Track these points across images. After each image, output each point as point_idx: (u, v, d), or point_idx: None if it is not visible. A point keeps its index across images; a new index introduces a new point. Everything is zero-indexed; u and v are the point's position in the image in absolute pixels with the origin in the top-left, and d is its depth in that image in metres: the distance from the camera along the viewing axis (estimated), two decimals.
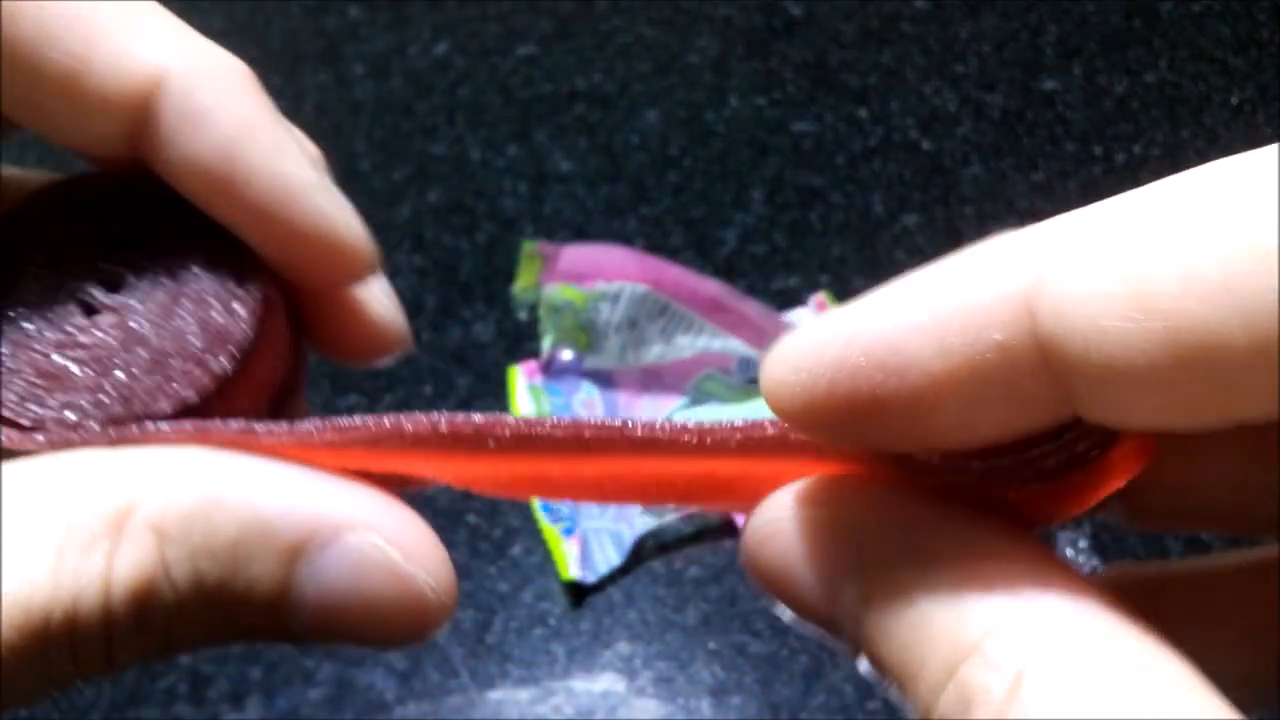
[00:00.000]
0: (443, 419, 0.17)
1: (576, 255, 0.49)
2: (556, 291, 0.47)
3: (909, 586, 0.14)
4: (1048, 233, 0.13)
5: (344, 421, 0.17)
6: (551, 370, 0.47)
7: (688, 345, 0.47)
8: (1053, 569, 0.13)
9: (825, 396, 0.14)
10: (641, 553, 0.44)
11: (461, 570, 0.44)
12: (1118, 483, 0.15)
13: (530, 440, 0.17)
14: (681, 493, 0.18)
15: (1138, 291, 0.12)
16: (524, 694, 0.41)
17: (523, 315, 0.50)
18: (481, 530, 0.44)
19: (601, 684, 0.41)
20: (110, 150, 0.17)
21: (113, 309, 0.18)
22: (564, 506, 0.44)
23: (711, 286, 0.48)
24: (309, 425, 0.17)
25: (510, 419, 0.17)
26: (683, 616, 0.42)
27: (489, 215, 0.54)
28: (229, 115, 0.17)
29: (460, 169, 0.55)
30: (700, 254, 0.52)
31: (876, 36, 0.60)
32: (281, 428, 0.17)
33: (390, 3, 0.62)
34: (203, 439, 0.16)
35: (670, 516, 0.44)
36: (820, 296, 0.49)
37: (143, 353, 0.17)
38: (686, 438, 0.17)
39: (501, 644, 0.42)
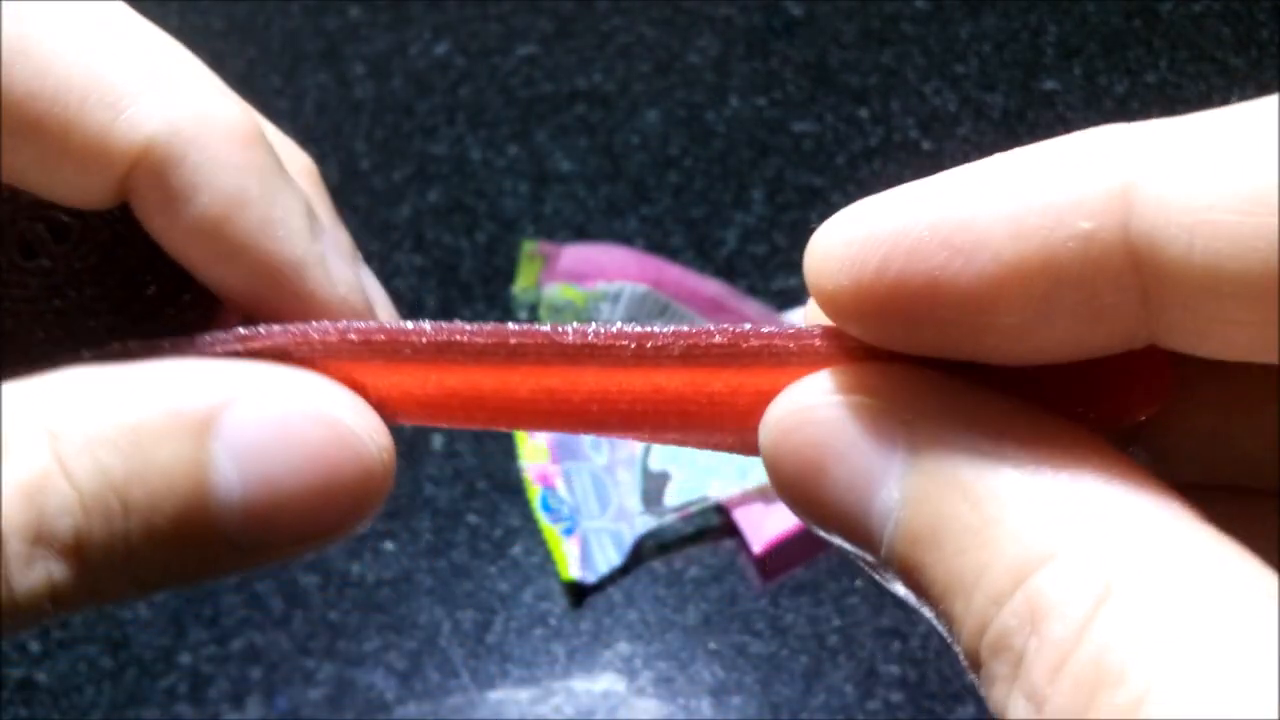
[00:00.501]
0: (353, 326, 0.16)
1: (577, 255, 0.49)
2: (557, 291, 0.48)
3: (969, 486, 0.12)
4: (1149, 130, 0.12)
5: (256, 330, 0.16)
6: None
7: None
8: (1129, 470, 0.12)
9: (875, 276, 0.12)
10: (642, 553, 0.44)
11: (462, 570, 0.44)
12: (1131, 416, 0.14)
13: (449, 347, 0.16)
14: (625, 416, 0.17)
15: (1257, 187, 0.11)
16: (524, 694, 0.41)
17: (523, 315, 0.50)
18: (482, 530, 0.44)
19: (602, 684, 0.41)
20: (96, 206, 0.16)
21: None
22: (564, 506, 0.44)
23: (712, 287, 0.48)
24: (217, 336, 0.16)
25: (428, 325, 0.16)
26: (683, 616, 0.42)
27: (489, 215, 0.54)
28: (220, 186, 0.16)
29: (460, 169, 0.55)
30: (700, 254, 0.52)
31: (877, 37, 0.60)
32: (186, 340, 0.16)
33: (391, 3, 0.62)
34: (123, 354, 0.16)
35: (670, 517, 0.44)
36: None
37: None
38: (624, 343, 0.16)
39: (502, 644, 0.42)
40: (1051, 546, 0.11)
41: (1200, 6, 0.61)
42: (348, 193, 0.55)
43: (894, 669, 0.41)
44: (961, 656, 0.12)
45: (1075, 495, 0.12)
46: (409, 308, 0.51)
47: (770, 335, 0.15)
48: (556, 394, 0.17)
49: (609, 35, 0.60)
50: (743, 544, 0.43)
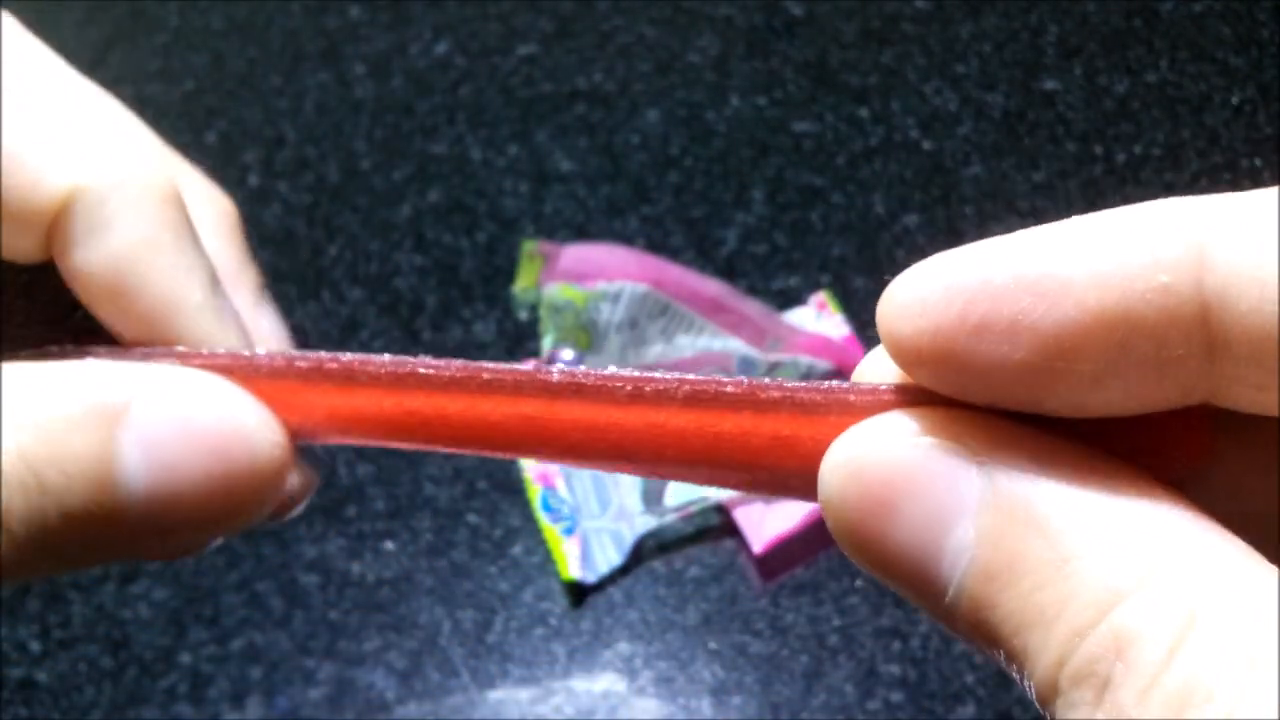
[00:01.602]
0: (302, 355, 0.17)
1: (577, 255, 0.49)
2: (557, 291, 0.47)
3: (1047, 522, 0.13)
4: (1221, 199, 0.13)
5: (215, 350, 0.18)
6: None
7: (688, 345, 0.47)
8: (1191, 508, 0.13)
9: (957, 322, 0.13)
10: (642, 552, 0.44)
11: (462, 570, 0.44)
12: (1170, 473, 0.14)
13: (409, 379, 0.17)
14: (614, 445, 0.17)
15: None
16: (524, 694, 0.41)
17: (523, 315, 0.50)
18: (482, 530, 0.44)
19: (602, 684, 0.41)
20: (27, 258, 0.18)
21: None
22: (564, 506, 0.44)
23: (712, 286, 0.48)
24: (155, 349, 0.18)
25: (384, 359, 0.17)
26: (683, 616, 0.42)
27: (490, 215, 0.54)
28: (129, 232, 0.18)
29: (461, 168, 0.55)
30: (701, 254, 0.52)
31: (877, 36, 0.60)
32: (123, 349, 0.18)
33: (391, 2, 0.62)
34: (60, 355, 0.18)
35: (671, 516, 0.44)
36: (821, 296, 0.49)
37: None
38: (618, 385, 0.16)
39: (502, 644, 0.42)
40: (1134, 580, 0.12)
41: (1201, 6, 0.61)
42: (348, 192, 0.55)
43: (894, 669, 0.41)
44: (1032, 690, 0.13)
45: (1151, 531, 0.12)
46: (409, 307, 0.51)
47: (794, 389, 0.15)
48: (534, 420, 0.17)
49: (609, 35, 0.60)
50: (743, 544, 0.43)
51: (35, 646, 0.42)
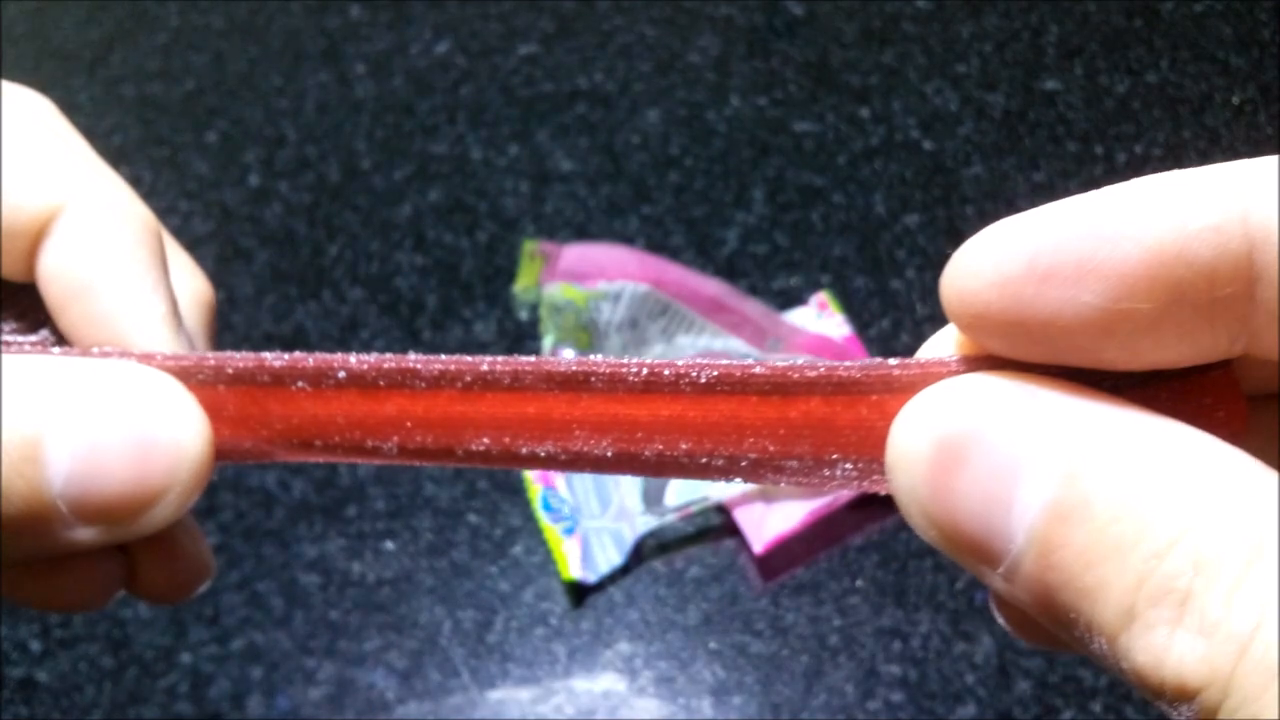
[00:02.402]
0: (275, 356, 0.18)
1: (577, 255, 0.49)
2: (558, 291, 0.47)
3: (1122, 463, 0.13)
4: (1257, 160, 0.14)
5: (190, 355, 0.19)
6: None
7: (689, 345, 0.47)
8: (1236, 443, 0.14)
9: (1026, 270, 0.14)
10: (642, 552, 0.44)
11: (463, 570, 0.44)
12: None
13: (389, 375, 0.18)
14: (625, 433, 0.17)
15: None
16: (525, 693, 0.41)
17: (524, 315, 0.50)
18: (483, 530, 0.44)
19: (602, 684, 0.41)
20: (13, 272, 0.20)
21: None
22: (565, 506, 0.44)
23: (712, 286, 0.48)
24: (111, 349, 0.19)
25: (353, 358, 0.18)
26: (683, 616, 0.42)
27: (490, 214, 0.54)
28: (106, 241, 0.20)
29: (461, 168, 0.55)
30: (701, 254, 0.52)
31: (878, 36, 0.60)
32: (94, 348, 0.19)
33: (392, 2, 0.62)
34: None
35: (671, 516, 0.44)
36: (821, 296, 0.49)
37: None
38: (626, 371, 0.17)
39: (503, 644, 0.42)
40: (1207, 507, 0.13)
41: (1201, 6, 0.61)
42: (349, 192, 0.55)
43: (894, 669, 0.41)
44: (1101, 624, 0.13)
45: (1219, 464, 0.13)
46: (410, 307, 0.51)
47: (866, 366, 0.16)
48: (532, 419, 0.18)
49: (610, 35, 0.60)
50: (743, 544, 0.43)
51: (36, 646, 0.42)
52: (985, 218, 0.52)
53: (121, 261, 0.20)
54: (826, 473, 0.17)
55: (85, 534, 0.18)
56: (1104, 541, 0.13)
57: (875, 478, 0.17)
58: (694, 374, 0.17)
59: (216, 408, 0.19)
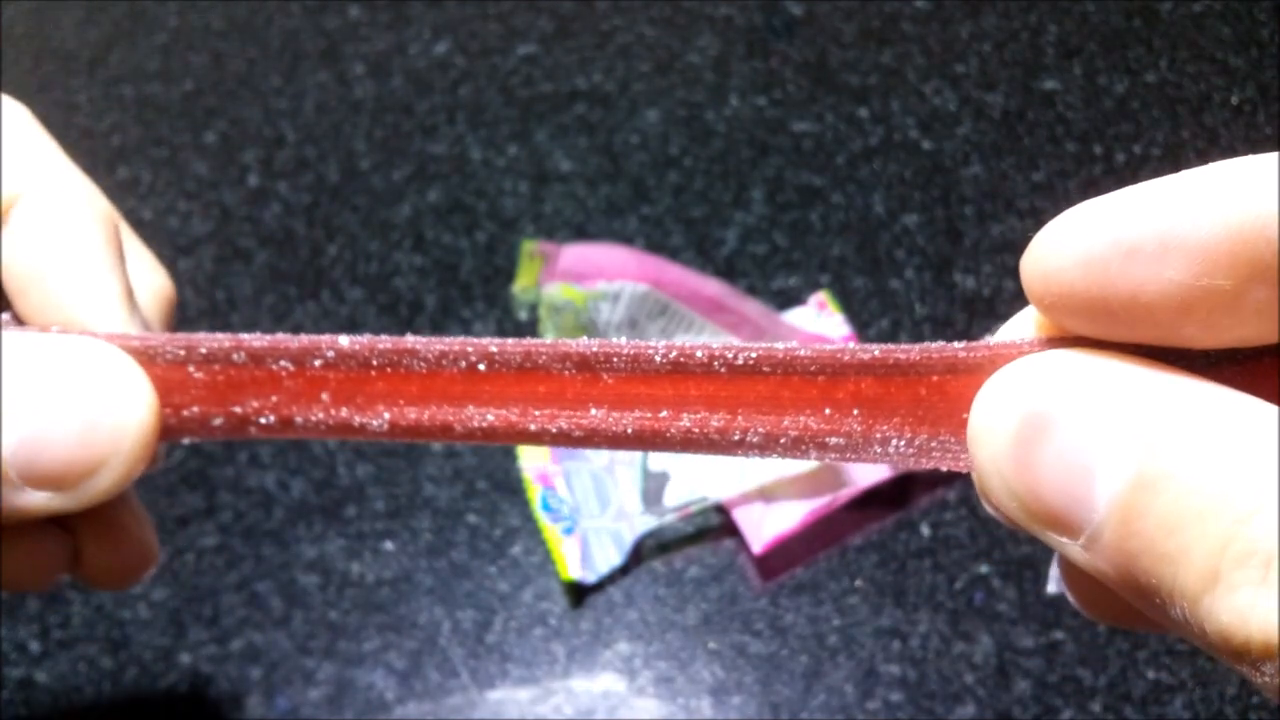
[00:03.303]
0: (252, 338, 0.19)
1: (577, 255, 0.49)
2: (557, 291, 0.47)
3: (1206, 431, 0.14)
4: None
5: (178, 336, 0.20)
6: None
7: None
8: None
9: (1110, 247, 0.14)
10: (642, 553, 0.44)
11: (462, 570, 0.44)
12: None
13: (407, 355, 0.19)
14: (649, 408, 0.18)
15: None
16: (524, 694, 0.41)
17: (523, 315, 0.50)
18: (482, 530, 0.44)
19: (601, 684, 0.41)
20: None
21: None
22: (564, 506, 0.44)
23: (712, 286, 0.48)
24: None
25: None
26: (683, 616, 0.42)
27: (489, 215, 0.54)
28: (65, 227, 0.21)
29: (460, 168, 0.55)
30: (700, 254, 0.52)
31: (877, 36, 0.60)
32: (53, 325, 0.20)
33: (390, 2, 0.62)
34: None
35: (670, 516, 0.44)
36: (820, 296, 0.49)
37: None
38: (650, 352, 0.17)
39: (502, 644, 0.42)
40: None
41: (1200, 6, 0.61)
42: (348, 192, 0.55)
43: (894, 669, 0.41)
44: (1183, 589, 0.14)
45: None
46: (409, 307, 0.51)
47: (937, 349, 0.17)
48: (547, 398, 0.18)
49: (609, 35, 0.60)
50: (742, 544, 0.43)
51: (35, 647, 0.42)
52: (984, 218, 0.52)
53: (76, 248, 0.21)
54: (877, 450, 0.17)
55: (31, 499, 0.19)
56: (1187, 508, 0.13)
57: (934, 454, 0.18)
58: (730, 355, 0.18)
59: (184, 385, 0.19)
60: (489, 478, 0.46)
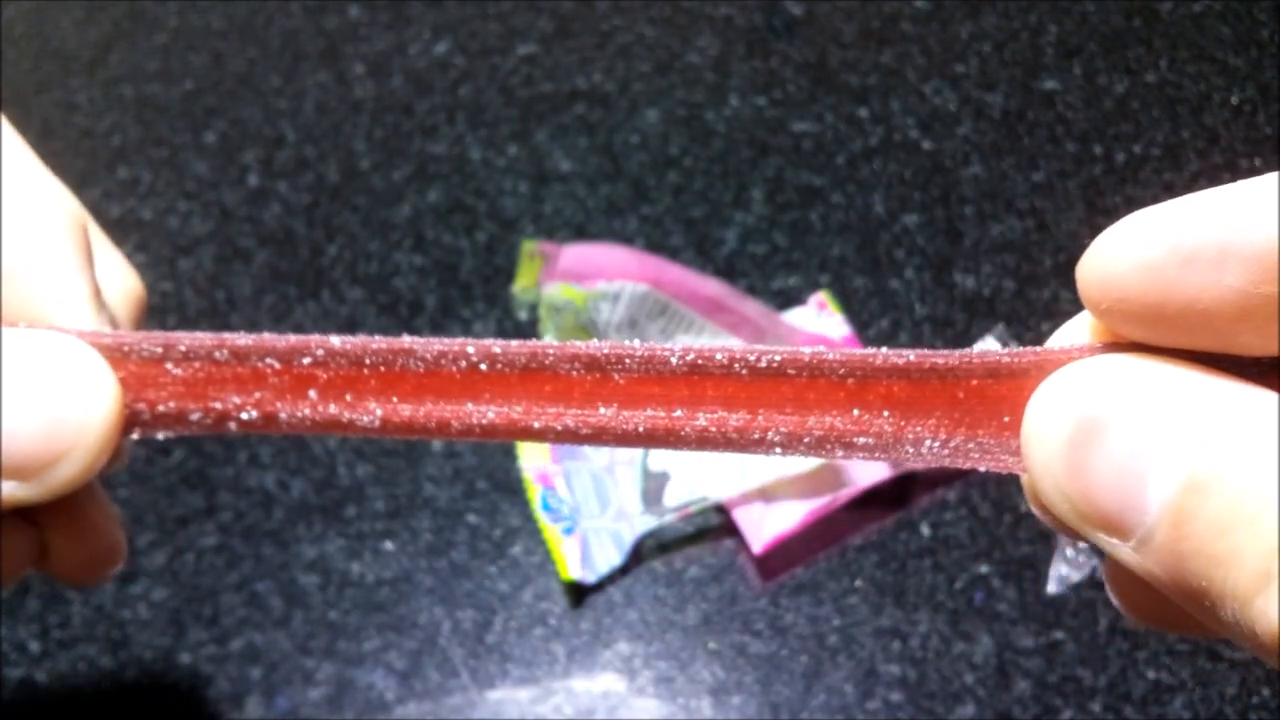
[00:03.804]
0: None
1: (577, 255, 0.49)
2: (557, 291, 0.47)
3: (1258, 432, 0.14)
4: None
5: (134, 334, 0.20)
6: None
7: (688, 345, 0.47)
8: None
9: (1168, 254, 0.15)
10: (641, 553, 0.44)
11: (462, 570, 0.44)
12: None
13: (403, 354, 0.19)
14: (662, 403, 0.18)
15: None
16: (524, 694, 0.41)
17: (523, 315, 0.50)
18: (482, 530, 0.44)
19: (601, 684, 0.41)
20: None
21: None
22: (564, 506, 0.44)
23: (712, 286, 0.48)
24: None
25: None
26: (683, 616, 0.42)
27: (489, 215, 0.54)
28: (35, 227, 0.21)
29: (460, 168, 0.55)
30: (700, 254, 0.52)
31: (877, 36, 0.60)
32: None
33: (390, 2, 0.62)
34: None
35: (670, 516, 0.44)
36: (820, 296, 0.49)
37: None
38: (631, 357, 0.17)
39: (502, 644, 0.42)
40: None
41: (1200, 6, 0.61)
42: (348, 192, 0.55)
43: (894, 669, 0.41)
44: (1234, 590, 0.14)
45: None
46: (409, 307, 0.51)
47: (993, 354, 0.17)
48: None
49: (609, 35, 0.60)
50: (742, 544, 0.43)
51: (35, 646, 0.42)
52: (984, 218, 0.52)
53: (43, 249, 0.21)
54: (908, 449, 0.18)
55: None
56: (1238, 511, 0.14)
57: (971, 454, 0.18)
58: (752, 358, 0.18)
59: (160, 380, 0.19)
60: (489, 478, 0.46)
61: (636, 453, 0.45)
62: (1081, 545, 0.43)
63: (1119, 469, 0.15)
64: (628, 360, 0.18)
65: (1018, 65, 0.58)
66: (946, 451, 0.18)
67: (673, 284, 0.48)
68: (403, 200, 0.54)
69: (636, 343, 0.18)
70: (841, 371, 0.17)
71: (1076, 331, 0.18)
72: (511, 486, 0.45)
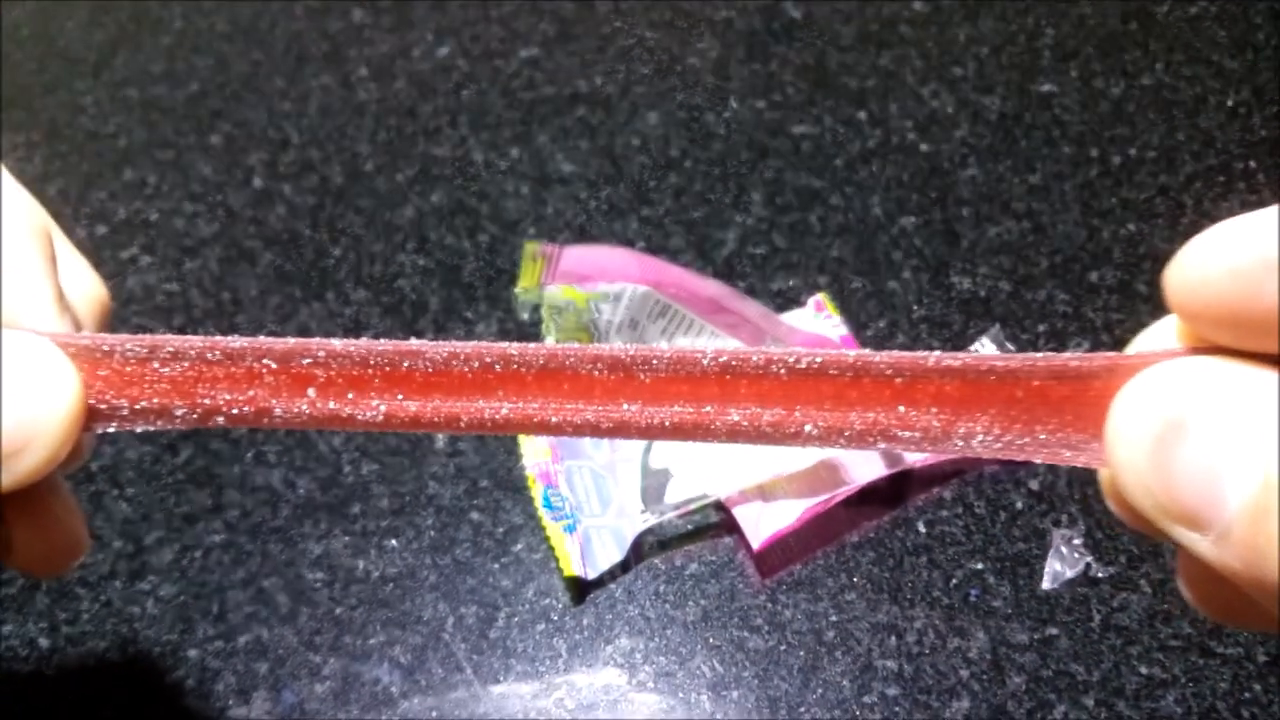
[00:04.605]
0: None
1: (578, 256, 0.49)
2: (558, 292, 0.48)
3: None
4: None
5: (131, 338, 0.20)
6: None
7: (688, 346, 0.47)
8: None
9: (1259, 261, 0.15)
10: (642, 550, 0.44)
11: (465, 567, 0.44)
12: None
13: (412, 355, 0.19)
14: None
15: None
16: (526, 688, 0.41)
17: (525, 316, 0.50)
18: (485, 528, 0.45)
19: (603, 679, 0.42)
20: None
21: None
22: (566, 504, 0.44)
23: (712, 287, 0.49)
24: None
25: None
26: (682, 612, 0.43)
27: (491, 216, 0.54)
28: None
29: (463, 171, 0.56)
30: (701, 255, 0.52)
31: (875, 40, 0.60)
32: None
33: (394, 6, 0.63)
34: None
35: (671, 514, 0.44)
36: (819, 298, 0.50)
37: None
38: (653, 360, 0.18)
39: (505, 639, 0.42)
40: None
41: (1196, 9, 0.61)
42: (351, 194, 0.55)
43: (890, 664, 0.41)
44: None
45: None
46: (413, 308, 0.51)
47: (1078, 358, 0.18)
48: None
49: (610, 38, 0.61)
50: (741, 541, 0.44)
51: (44, 643, 0.43)
52: (981, 220, 0.53)
53: (7, 253, 0.22)
54: (957, 443, 0.18)
55: None
56: None
57: (1027, 448, 0.18)
58: (791, 360, 0.18)
59: (144, 379, 0.20)
60: (492, 476, 0.46)
61: (637, 451, 0.46)
62: (1075, 543, 0.44)
63: (1201, 466, 0.16)
64: (655, 362, 0.18)
65: (1015, 68, 0.59)
66: (1000, 445, 0.18)
67: (673, 285, 0.48)
68: (406, 202, 0.55)
69: (664, 345, 0.18)
70: (889, 372, 0.18)
71: (1162, 335, 0.18)
72: (514, 485, 0.46)
